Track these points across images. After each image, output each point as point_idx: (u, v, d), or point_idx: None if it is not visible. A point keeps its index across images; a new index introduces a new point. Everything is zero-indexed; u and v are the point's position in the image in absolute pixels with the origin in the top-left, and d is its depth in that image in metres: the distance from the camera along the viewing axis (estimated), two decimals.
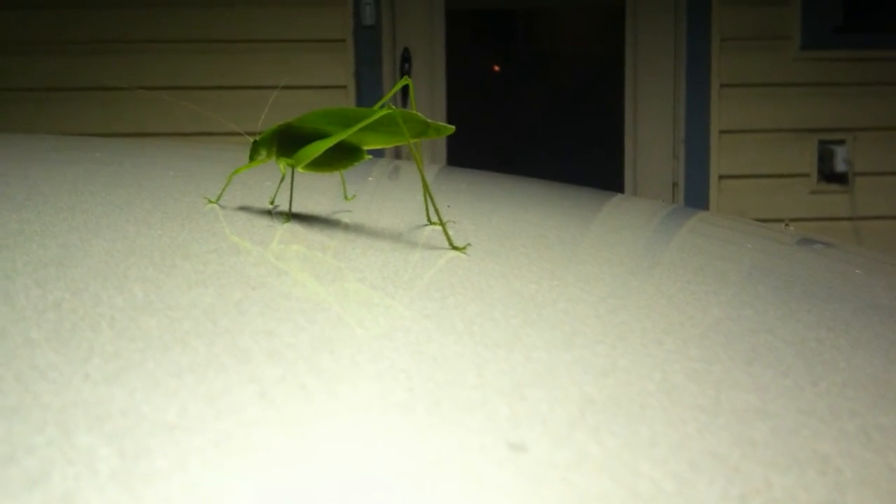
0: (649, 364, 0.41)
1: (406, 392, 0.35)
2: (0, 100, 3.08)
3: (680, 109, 3.29)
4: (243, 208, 0.70)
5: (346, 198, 0.77)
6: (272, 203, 0.72)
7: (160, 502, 0.27)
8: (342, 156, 0.69)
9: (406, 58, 3.23)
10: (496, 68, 3.58)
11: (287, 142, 0.70)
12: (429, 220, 0.70)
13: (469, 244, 0.63)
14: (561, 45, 3.63)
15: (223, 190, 0.71)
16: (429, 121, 0.67)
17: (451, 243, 0.62)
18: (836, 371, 0.43)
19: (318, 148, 0.67)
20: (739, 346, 0.46)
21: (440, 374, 0.37)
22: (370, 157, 0.70)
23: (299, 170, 0.69)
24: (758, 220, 1.37)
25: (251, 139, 0.72)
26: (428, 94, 3.27)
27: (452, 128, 0.67)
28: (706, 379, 0.40)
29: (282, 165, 0.71)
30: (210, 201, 0.70)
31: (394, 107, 0.66)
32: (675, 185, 3.34)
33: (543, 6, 3.54)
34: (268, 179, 0.77)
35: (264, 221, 0.67)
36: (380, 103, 0.67)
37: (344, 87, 3.15)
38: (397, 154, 3.04)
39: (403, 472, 0.30)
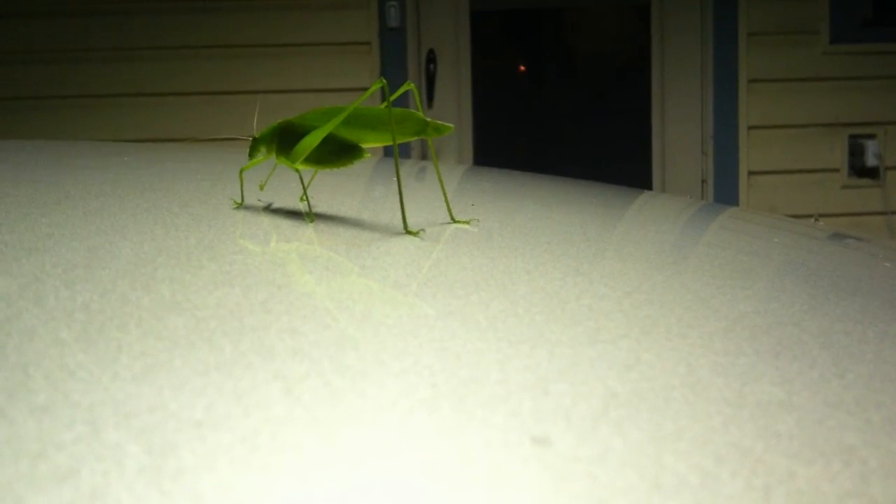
0: (674, 358, 0.41)
1: (430, 388, 0.35)
2: (29, 107, 3.12)
3: (708, 106, 3.26)
4: (269, 208, 0.71)
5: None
6: (302, 200, 0.73)
7: (187, 499, 0.27)
8: (342, 153, 0.71)
9: (431, 59, 3.24)
10: (522, 68, 3.57)
11: (287, 139, 0.71)
12: (452, 218, 0.70)
13: (423, 230, 0.65)
14: (587, 44, 3.63)
15: (242, 190, 0.72)
16: (427, 119, 0.69)
17: (405, 227, 0.65)
18: (863, 363, 0.43)
19: (311, 142, 0.68)
20: (765, 339, 0.46)
21: (464, 370, 0.37)
22: (369, 154, 0.71)
23: (298, 166, 0.70)
24: (788, 215, 1.36)
25: (250, 137, 0.73)
26: (454, 95, 3.27)
27: (451, 127, 0.69)
28: (731, 372, 0.40)
29: (281, 162, 0.72)
30: (235, 203, 0.71)
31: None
32: (704, 181, 3.32)
33: (568, 5, 3.53)
34: (292, 180, 0.78)
35: (288, 221, 0.67)
36: (384, 104, 0.68)
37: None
38: (423, 155, 3.04)
39: (428, 469, 0.30)
